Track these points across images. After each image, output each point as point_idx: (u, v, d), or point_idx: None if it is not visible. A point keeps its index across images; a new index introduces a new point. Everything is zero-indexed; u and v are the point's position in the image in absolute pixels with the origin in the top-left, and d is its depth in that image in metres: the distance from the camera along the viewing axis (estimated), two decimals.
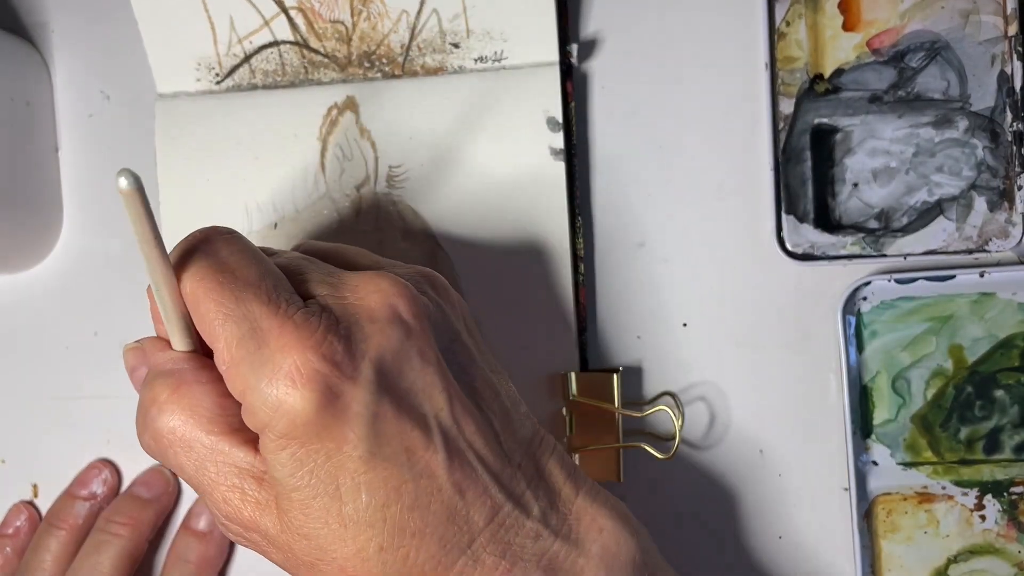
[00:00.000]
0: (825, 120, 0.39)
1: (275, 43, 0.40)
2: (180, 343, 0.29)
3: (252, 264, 0.27)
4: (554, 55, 0.39)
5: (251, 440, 0.28)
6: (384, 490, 0.26)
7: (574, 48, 0.39)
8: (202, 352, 0.29)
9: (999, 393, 0.39)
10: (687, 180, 0.40)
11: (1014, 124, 0.38)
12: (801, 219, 0.39)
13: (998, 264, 0.38)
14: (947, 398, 0.39)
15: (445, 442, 0.27)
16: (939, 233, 0.38)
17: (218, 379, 0.28)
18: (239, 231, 0.29)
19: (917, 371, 0.39)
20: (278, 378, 0.25)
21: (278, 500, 0.27)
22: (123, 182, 0.24)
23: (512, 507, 0.28)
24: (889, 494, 0.39)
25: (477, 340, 0.31)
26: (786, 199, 0.39)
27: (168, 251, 0.27)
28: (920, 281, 0.38)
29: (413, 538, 0.26)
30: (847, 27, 0.39)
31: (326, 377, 0.26)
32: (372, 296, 0.27)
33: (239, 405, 0.27)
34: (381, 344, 0.27)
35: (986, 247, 0.38)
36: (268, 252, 0.30)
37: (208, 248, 0.27)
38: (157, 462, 0.43)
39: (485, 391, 0.29)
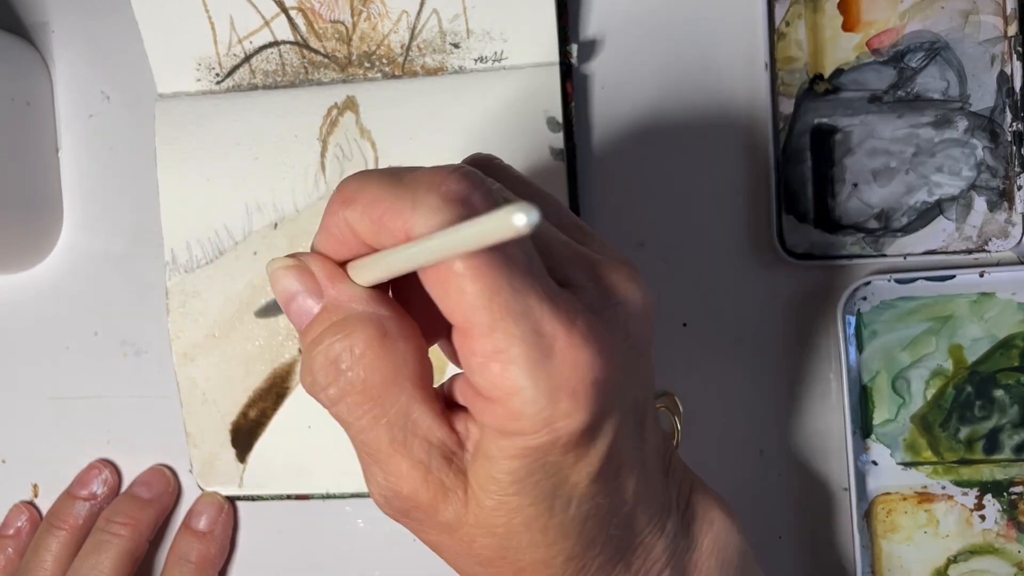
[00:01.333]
0: (825, 120, 0.39)
1: (275, 43, 0.40)
2: (370, 278, 0.24)
3: (522, 242, 0.23)
4: (554, 55, 0.39)
5: (445, 413, 0.25)
6: (590, 504, 0.24)
7: (574, 48, 0.39)
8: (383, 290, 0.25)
9: (999, 393, 0.39)
10: (687, 180, 0.40)
11: (1014, 124, 0.38)
12: (801, 219, 0.39)
13: (998, 264, 0.38)
14: (947, 398, 0.39)
15: (642, 457, 0.26)
16: (939, 233, 0.38)
17: (419, 334, 0.25)
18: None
19: (917, 371, 0.39)
20: (561, 396, 0.22)
21: (478, 496, 0.24)
22: (522, 217, 0.18)
23: (663, 512, 0.27)
24: (889, 494, 0.39)
25: None
26: (786, 199, 0.39)
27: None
28: (920, 281, 0.38)
29: (596, 548, 0.25)
30: (847, 27, 0.39)
31: (606, 398, 0.23)
32: (637, 301, 0.25)
33: (431, 371, 0.25)
34: (637, 361, 0.25)
35: (986, 247, 0.38)
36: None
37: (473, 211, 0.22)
38: (160, 462, 0.43)
39: (651, 406, 0.28)
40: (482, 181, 0.23)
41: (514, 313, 0.22)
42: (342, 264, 0.25)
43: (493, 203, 0.22)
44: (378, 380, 0.24)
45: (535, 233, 0.22)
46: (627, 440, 0.25)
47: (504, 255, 0.22)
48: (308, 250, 0.26)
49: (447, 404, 0.25)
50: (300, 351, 0.25)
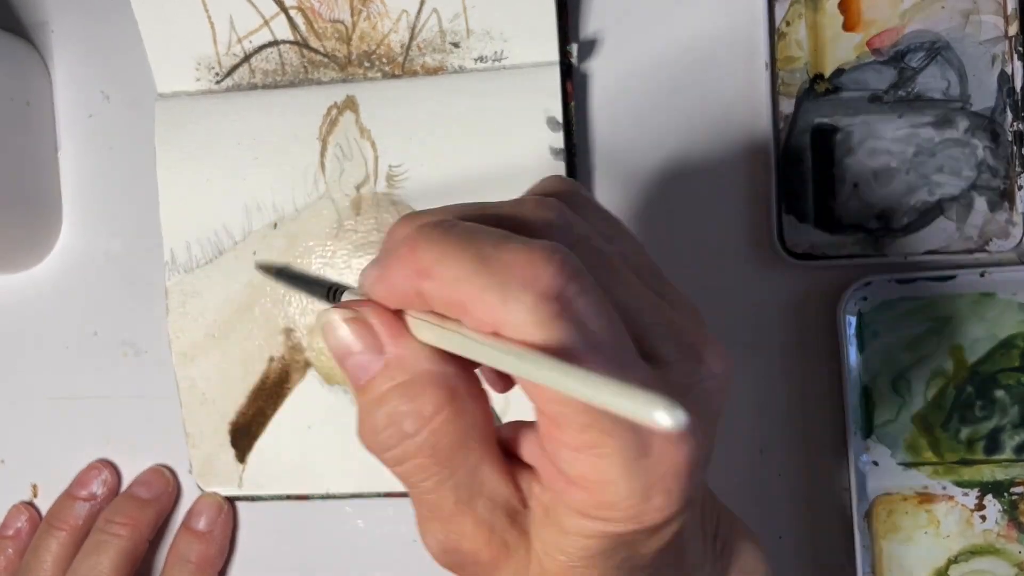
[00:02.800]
0: (825, 120, 0.39)
1: (275, 43, 0.40)
2: (438, 343, 0.22)
3: (608, 321, 0.21)
4: (554, 55, 0.39)
5: (510, 471, 0.23)
6: (652, 570, 0.24)
7: (574, 48, 0.39)
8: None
9: (999, 393, 0.39)
10: (687, 180, 0.40)
11: (1014, 124, 0.38)
12: (801, 219, 0.39)
13: (998, 264, 0.38)
14: (947, 398, 0.39)
15: (702, 536, 0.26)
16: (939, 233, 0.38)
17: (484, 393, 0.23)
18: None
19: (917, 371, 0.39)
20: (655, 493, 0.21)
21: (541, 559, 0.23)
22: (667, 419, 0.17)
23: (704, 551, 0.27)
24: (889, 494, 0.39)
25: None
26: (786, 199, 0.39)
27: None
28: (920, 281, 0.38)
29: None
30: (847, 27, 0.39)
31: (694, 485, 0.22)
32: (718, 364, 0.23)
33: (494, 426, 0.23)
34: (712, 437, 0.24)
35: (986, 247, 0.38)
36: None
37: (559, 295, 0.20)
38: (159, 462, 0.43)
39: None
40: (582, 274, 0.21)
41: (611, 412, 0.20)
42: (399, 311, 0.23)
43: (596, 308, 0.21)
44: (447, 444, 0.22)
45: (623, 302, 0.22)
46: (695, 508, 0.24)
47: (597, 347, 0.20)
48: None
49: (505, 452, 0.24)
50: (355, 405, 0.23)
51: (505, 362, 0.20)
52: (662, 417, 0.17)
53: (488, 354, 0.20)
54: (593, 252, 0.23)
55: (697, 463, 0.21)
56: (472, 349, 0.21)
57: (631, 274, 0.23)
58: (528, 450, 0.24)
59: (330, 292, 0.27)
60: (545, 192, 0.25)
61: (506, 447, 0.24)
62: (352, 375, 0.23)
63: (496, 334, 0.20)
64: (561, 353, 0.19)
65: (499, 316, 0.20)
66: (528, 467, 0.24)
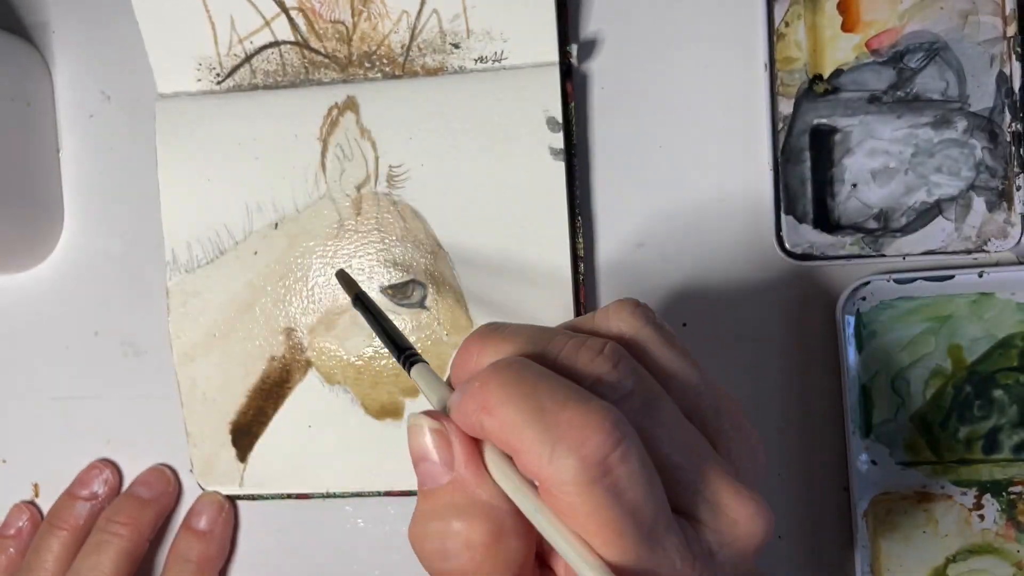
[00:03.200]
0: (824, 120, 0.39)
1: (276, 43, 0.40)
2: (500, 483, 0.24)
3: (647, 490, 0.23)
4: (554, 55, 0.39)
5: None
6: None
7: (574, 48, 0.39)
8: None
9: (998, 393, 0.39)
10: (687, 180, 0.40)
11: (1013, 124, 0.38)
12: (800, 219, 0.39)
13: (997, 264, 0.39)
14: (946, 398, 0.39)
15: None
16: (938, 233, 0.38)
17: (532, 531, 0.24)
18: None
19: (916, 371, 0.39)
20: None
21: None
22: None
23: None
24: (888, 493, 0.39)
25: None
26: (785, 199, 0.39)
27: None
28: (919, 281, 0.38)
29: None
30: (846, 28, 0.39)
31: None
32: (752, 541, 0.25)
33: (534, 557, 0.25)
34: None
35: (985, 247, 0.38)
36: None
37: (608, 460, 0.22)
38: (160, 462, 0.43)
39: None
40: (627, 440, 0.22)
41: (635, 568, 0.22)
42: (479, 441, 0.25)
43: (636, 476, 0.22)
44: (485, 571, 0.24)
45: (666, 456, 0.23)
46: None
47: (633, 513, 0.22)
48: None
49: (541, 561, 0.25)
50: (416, 506, 0.25)
51: (541, 526, 0.23)
52: None
53: (532, 514, 0.23)
54: (642, 408, 0.24)
55: None
56: (521, 504, 0.23)
57: (677, 426, 0.25)
58: (562, 567, 0.25)
59: (403, 356, 0.29)
60: (610, 333, 0.26)
61: (544, 557, 0.25)
62: (421, 478, 0.25)
63: (539, 485, 0.23)
64: (597, 516, 0.21)
65: (544, 470, 0.22)
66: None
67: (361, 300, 0.34)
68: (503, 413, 0.23)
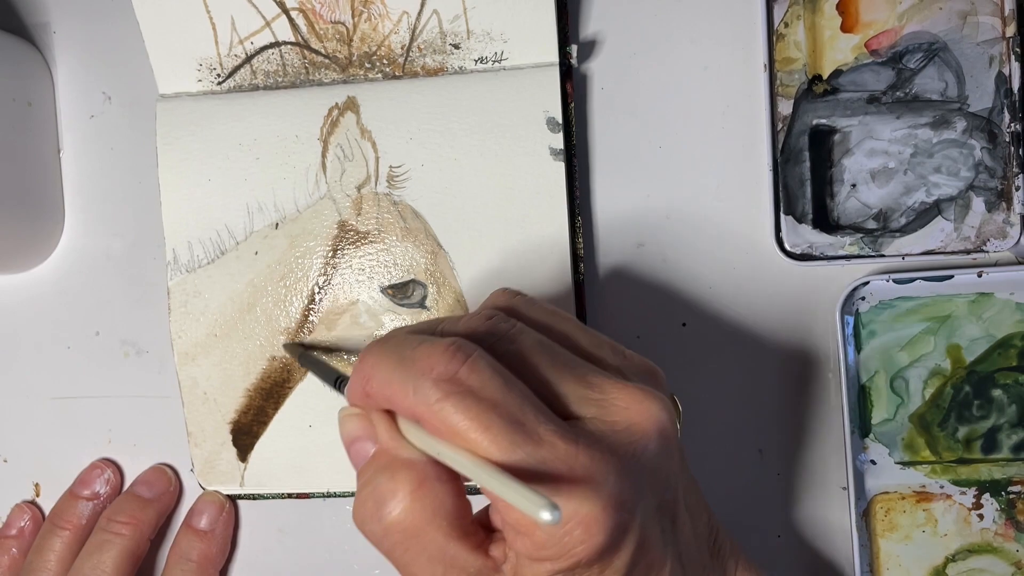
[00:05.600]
0: (823, 121, 0.39)
1: (276, 44, 0.40)
2: (415, 443, 0.27)
3: (503, 387, 0.26)
4: (554, 56, 0.39)
5: (481, 544, 0.27)
6: None
7: (574, 49, 0.39)
8: None
9: (997, 393, 0.39)
10: (687, 180, 0.40)
11: (1012, 125, 0.38)
12: (800, 219, 0.39)
13: (996, 264, 0.39)
14: (945, 398, 0.39)
15: (675, 556, 0.28)
16: (937, 233, 0.38)
17: (456, 477, 0.27)
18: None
19: (915, 371, 0.39)
20: (573, 527, 0.24)
21: None
22: (547, 515, 0.22)
23: (700, 557, 0.29)
24: (887, 493, 0.39)
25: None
26: (785, 199, 0.39)
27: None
28: (918, 281, 0.38)
29: None
30: (845, 28, 0.39)
31: (619, 523, 0.25)
32: (645, 421, 0.27)
33: (469, 505, 0.27)
34: (656, 471, 0.27)
35: (984, 247, 0.38)
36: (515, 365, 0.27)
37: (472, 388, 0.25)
38: (161, 461, 0.43)
39: (691, 496, 0.30)
40: (476, 358, 0.25)
41: (525, 464, 0.25)
42: (393, 414, 0.28)
43: (488, 379, 0.25)
44: (417, 521, 0.26)
45: (541, 376, 0.27)
46: (654, 542, 0.27)
47: (495, 407, 0.25)
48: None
49: (487, 528, 0.28)
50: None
51: (448, 459, 0.25)
52: (543, 515, 0.22)
53: (434, 451, 0.26)
54: (514, 341, 0.27)
55: (612, 498, 0.25)
56: (427, 445, 0.26)
57: (559, 354, 0.28)
58: (495, 518, 0.28)
59: (336, 381, 0.33)
60: (487, 306, 0.30)
61: (485, 522, 0.28)
62: (354, 460, 0.29)
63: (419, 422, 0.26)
64: (465, 422, 0.24)
65: (414, 404, 0.25)
66: (503, 534, 0.27)
67: (304, 357, 0.39)
68: (377, 373, 0.26)
